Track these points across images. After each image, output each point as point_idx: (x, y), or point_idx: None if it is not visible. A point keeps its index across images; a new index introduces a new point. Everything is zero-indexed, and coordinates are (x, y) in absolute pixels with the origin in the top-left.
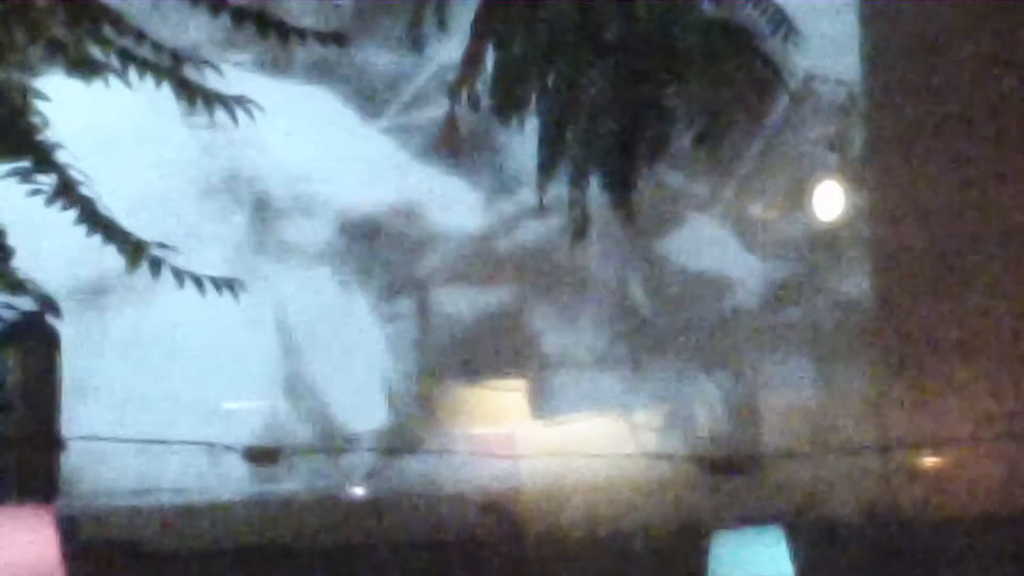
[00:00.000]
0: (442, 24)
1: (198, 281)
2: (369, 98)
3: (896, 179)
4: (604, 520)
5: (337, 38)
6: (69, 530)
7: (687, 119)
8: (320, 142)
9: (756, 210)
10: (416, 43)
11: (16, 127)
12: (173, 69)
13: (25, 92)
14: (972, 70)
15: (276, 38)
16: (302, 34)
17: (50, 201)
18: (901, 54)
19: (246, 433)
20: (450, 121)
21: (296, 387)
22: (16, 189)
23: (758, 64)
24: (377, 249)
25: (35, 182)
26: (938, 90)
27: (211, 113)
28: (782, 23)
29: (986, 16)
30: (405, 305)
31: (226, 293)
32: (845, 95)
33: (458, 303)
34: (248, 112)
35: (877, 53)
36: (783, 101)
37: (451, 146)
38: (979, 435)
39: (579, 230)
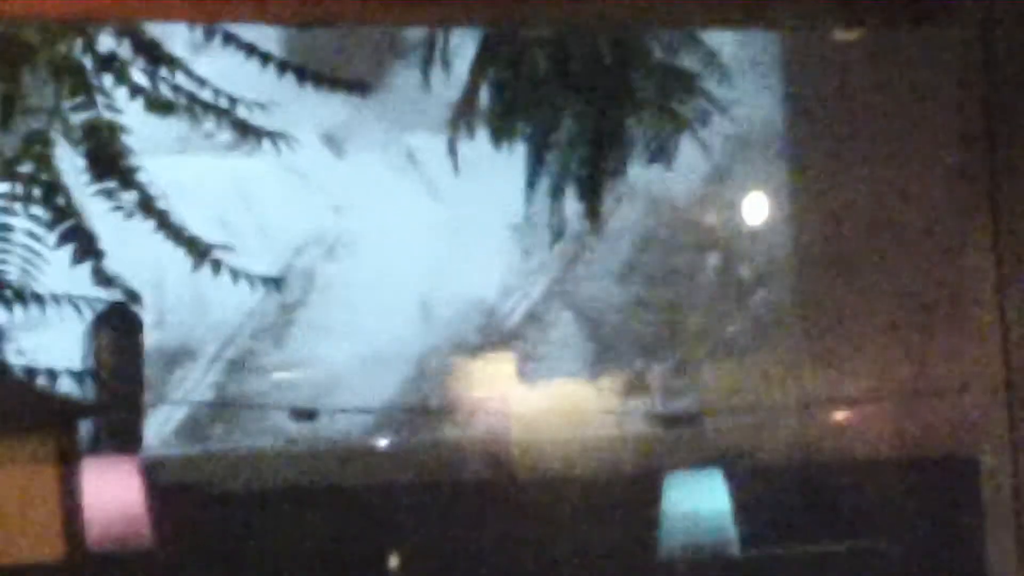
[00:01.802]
0: (446, 65)
1: (249, 278)
2: None
3: (816, 190)
4: (579, 466)
5: (361, 86)
6: (151, 476)
7: (644, 144)
8: None
9: (702, 214)
10: (426, 81)
11: (105, 155)
12: (230, 109)
13: (112, 127)
14: (887, 103)
15: (312, 86)
16: (333, 82)
17: (129, 215)
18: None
19: (293, 395)
20: (451, 147)
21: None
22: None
23: (701, 100)
24: None
25: (119, 199)
26: (854, 119)
27: (259, 145)
28: (715, 64)
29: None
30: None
31: (272, 289)
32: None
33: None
34: (288, 145)
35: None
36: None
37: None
38: (880, 393)
39: (557, 233)
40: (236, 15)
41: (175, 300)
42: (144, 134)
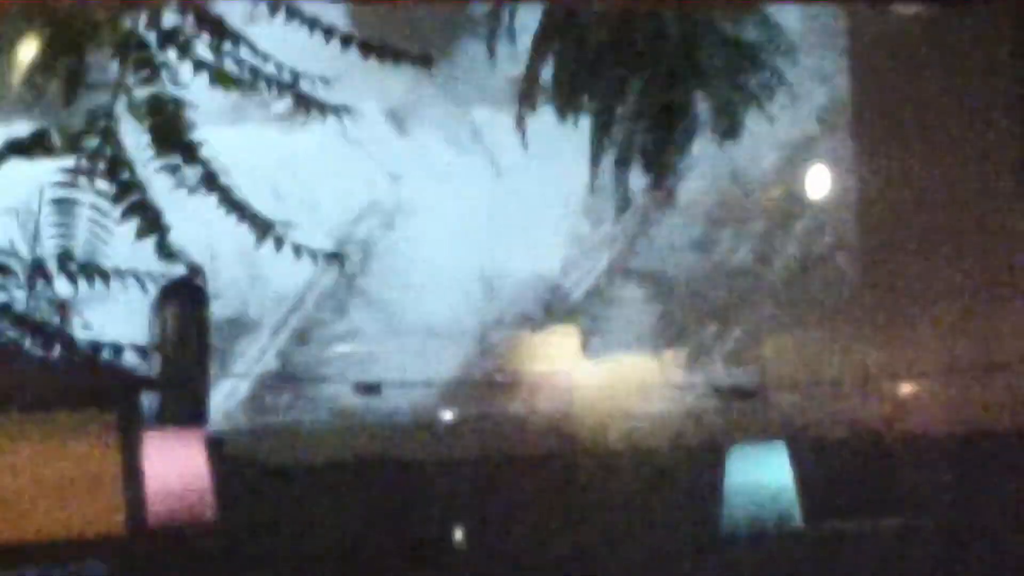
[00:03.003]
0: (511, 40)
1: (312, 254)
2: None
3: (882, 167)
4: (640, 438)
5: (425, 59)
6: (215, 449)
7: (711, 118)
8: None
9: (768, 188)
10: (492, 54)
11: (169, 130)
12: (293, 83)
13: (176, 102)
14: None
15: (376, 59)
16: (396, 56)
17: (193, 191)
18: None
19: (354, 367)
20: (520, 120)
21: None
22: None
23: (766, 73)
24: None
25: (182, 174)
26: (917, 95)
27: (323, 120)
28: (781, 38)
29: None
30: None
31: (335, 264)
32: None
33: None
34: (352, 119)
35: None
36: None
37: None
38: (943, 369)
39: (622, 206)
40: None
41: (231, 272)
42: (197, 104)
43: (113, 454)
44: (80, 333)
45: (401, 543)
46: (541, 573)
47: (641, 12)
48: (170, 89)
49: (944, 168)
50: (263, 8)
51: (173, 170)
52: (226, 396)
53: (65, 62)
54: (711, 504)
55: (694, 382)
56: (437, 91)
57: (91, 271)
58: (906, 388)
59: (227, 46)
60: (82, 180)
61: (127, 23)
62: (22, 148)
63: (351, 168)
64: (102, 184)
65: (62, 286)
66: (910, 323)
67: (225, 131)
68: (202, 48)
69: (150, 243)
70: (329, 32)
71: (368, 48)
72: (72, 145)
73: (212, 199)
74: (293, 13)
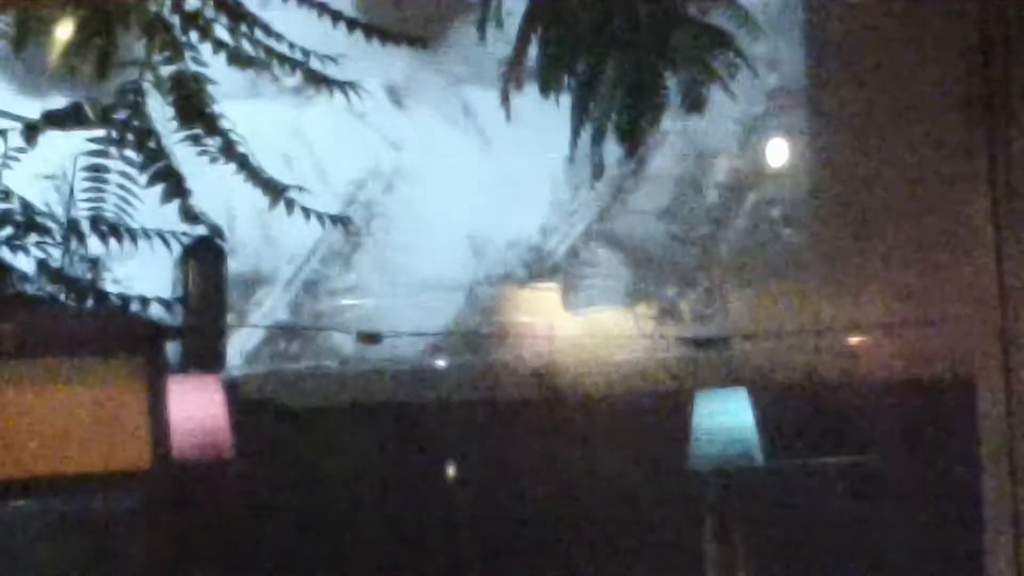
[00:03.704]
0: (499, 23)
1: (319, 216)
2: None
3: (834, 139)
4: (615, 384)
5: (421, 41)
6: (231, 391)
7: (679, 94)
8: None
9: (732, 159)
10: (482, 37)
11: (191, 104)
12: (303, 62)
13: (198, 78)
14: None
15: (377, 40)
16: (396, 38)
17: (214, 159)
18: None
19: (357, 318)
20: (506, 97)
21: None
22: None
23: (731, 55)
24: None
25: (204, 144)
26: (867, 77)
27: (331, 95)
28: (747, 22)
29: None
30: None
31: (340, 225)
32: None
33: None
34: (358, 95)
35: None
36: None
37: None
38: (888, 322)
39: (596, 174)
40: None
41: (248, 232)
42: (217, 81)
43: (140, 395)
44: (110, 287)
45: (397, 479)
46: (525, 503)
47: None
48: (192, 67)
49: (891, 144)
50: None
51: (195, 140)
52: (242, 344)
53: (97, 43)
54: (680, 443)
55: (664, 334)
56: (432, 70)
57: (120, 231)
58: (855, 340)
59: (243, 28)
60: (112, 149)
61: (153, 7)
62: (58, 120)
63: (355, 138)
64: (130, 153)
65: (94, 245)
66: (858, 282)
67: (241, 105)
68: (221, 30)
69: (174, 206)
70: (336, 16)
71: (370, 31)
72: (103, 117)
73: (230, 166)
74: None
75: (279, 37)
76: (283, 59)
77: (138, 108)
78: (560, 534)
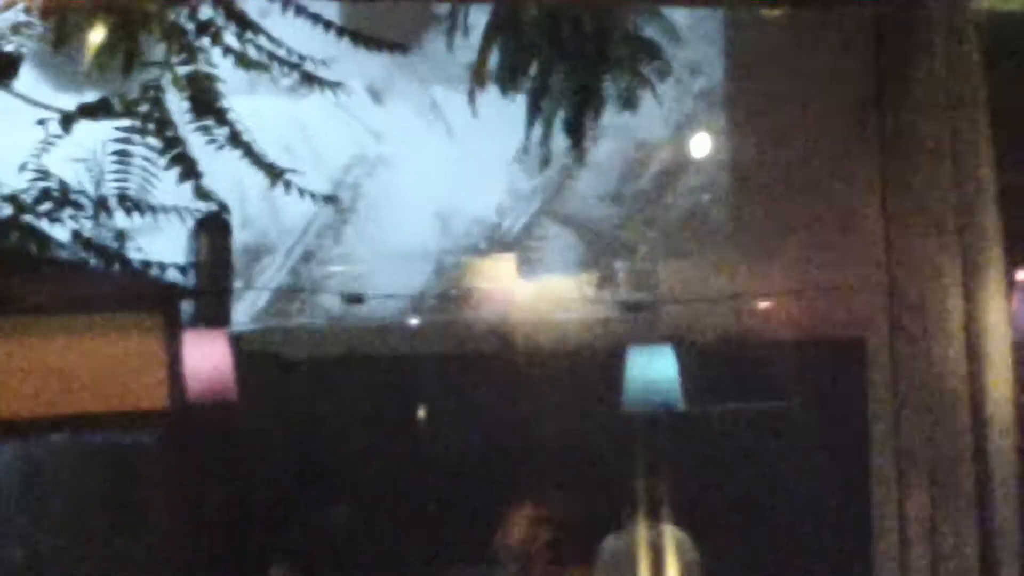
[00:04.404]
0: (465, 33)
1: (313, 195)
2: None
3: (748, 133)
4: (562, 341)
5: (398, 46)
6: (236, 346)
7: (616, 96)
8: None
9: (661, 150)
10: (450, 44)
11: (204, 100)
12: (298, 64)
13: (209, 77)
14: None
15: (361, 46)
16: (377, 44)
17: (222, 147)
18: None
19: (345, 283)
20: (471, 96)
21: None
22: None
23: (658, 62)
24: None
25: (214, 134)
26: (781, 79)
27: (322, 92)
28: (674, 36)
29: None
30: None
31: (329, 203)
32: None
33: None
34: (345, 93)
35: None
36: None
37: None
38: (792, 288)
39: (544, 162)
40: None
41: (254, 208)
42: (225, 79)
43: (158, 347)
44: (134, 254)
45: (377, 420)
46: (486, 440)
47: (565, 12)
48: (204, 68)
49: (797, 137)
50: (277, 6)
51: (206, 130)
52: (248, 304)
53: (124, 45)
54: (615, 391)
55: (603, 298)
56: (408, 72)
57: (142, 207)
58: (765, 304)
59: (248, 35)
60: (136, 137)
61: (171, 16)
62: (90, 112)
63: (342, 129)
64: (151, 140)
65: (120, 218)
66: (771, 254)
67: (246, 100)
68: (229, 36)
69: (188, 186)
70: (326, 24)
71: (355, 37)
72: (128, 110)
73: (237, 152)
74: (299, 9)
75: (278, 43)
76: (281, 61)
77: (158, 102)
78: (515, 465)
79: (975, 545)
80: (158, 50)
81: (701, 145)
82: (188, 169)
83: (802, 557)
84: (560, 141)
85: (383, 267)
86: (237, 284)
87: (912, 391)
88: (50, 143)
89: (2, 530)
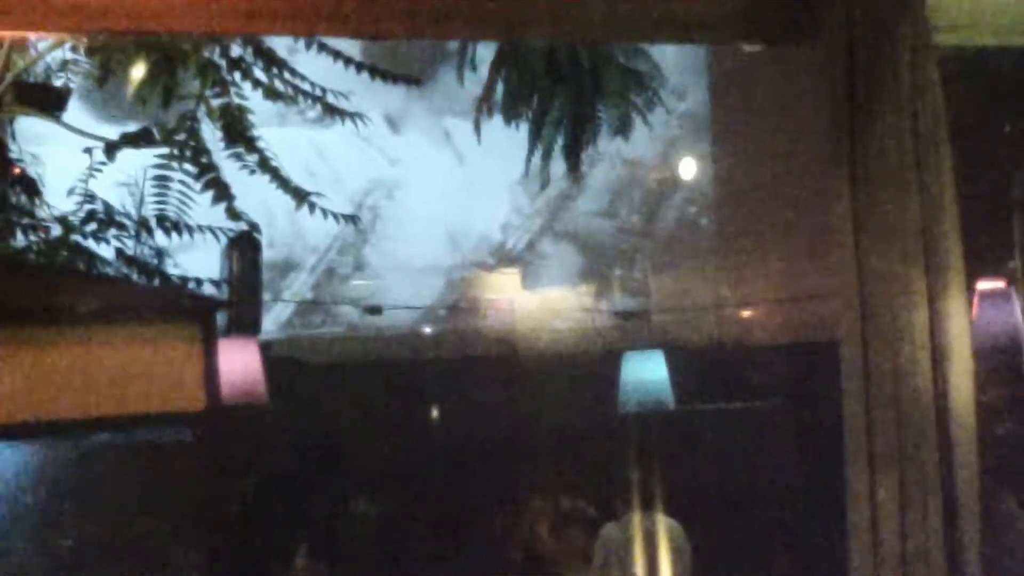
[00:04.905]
0: (473, 68)
1: (335, 215)
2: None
3: (729, 156)
4: (562, 346)
5: (413, 80)
6: (266, 351)
7: (609, 122)
8: None
9: (652, 172)
10: (460, 77)
11: (236, 129)
12: (322, 96)
13: (241, 109)
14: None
15: (379, 79)
16: (394, 78)
17: (252, 172)
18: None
19: (366, 297)
20: (477, 124)
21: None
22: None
23: (648, 92)
24: None
25: (245, 160)
26: (760, 107)
27: (343, 123)
28: (659, 70)
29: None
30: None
31: (350, 223)
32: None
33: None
34: (364, 122)
35: (720, 84)
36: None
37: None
38: (772, 298)
39: (544, 184)
40: (290, 29)
41: (282, 228)
42: (255, 111)
43: (196, 354)
44: (172, 270)
45: (394, 417)
46: (491, 435)
47: (563, 47)
48: (236, 100)
49: (775, 159)
50: (302, 43)
51: (238, 157)
52: (276, 315)
53: (163, 79)
54: (610, 391)
55: (600, 307)
56: (421, 103)
57: (180, 227)
58: (747, 312)
59: (275, 70)
60: (174, 163)
61: (206, 53)
62: (132, 140)
63: (361, 156)
64: (188, 166)
65: (160, 237)
66: (752, 267)
67: (274, 130)
68: (258, 72)
69: (221, 208)
70: (347, 60)
71: (373, 72)
72: (167, 138)
73: (266, 177)
74: (322, 46)
75: (303, 77)
76: (306, 94)
77: (194, 132)
78: (518, 458)
79: (939, 524)
80: (194, 85)
81: (687, 168)
82: (221, 192)
83: (783, 538)
84: (560, 165)
85: (399, 281)
86: (266, 297)
87: (883, 390)
88: (96, 169)
89: (55, 520)
